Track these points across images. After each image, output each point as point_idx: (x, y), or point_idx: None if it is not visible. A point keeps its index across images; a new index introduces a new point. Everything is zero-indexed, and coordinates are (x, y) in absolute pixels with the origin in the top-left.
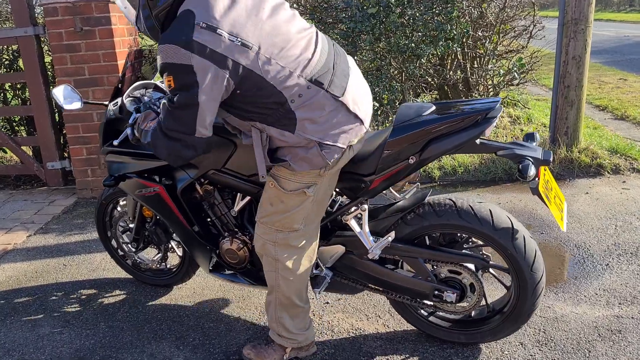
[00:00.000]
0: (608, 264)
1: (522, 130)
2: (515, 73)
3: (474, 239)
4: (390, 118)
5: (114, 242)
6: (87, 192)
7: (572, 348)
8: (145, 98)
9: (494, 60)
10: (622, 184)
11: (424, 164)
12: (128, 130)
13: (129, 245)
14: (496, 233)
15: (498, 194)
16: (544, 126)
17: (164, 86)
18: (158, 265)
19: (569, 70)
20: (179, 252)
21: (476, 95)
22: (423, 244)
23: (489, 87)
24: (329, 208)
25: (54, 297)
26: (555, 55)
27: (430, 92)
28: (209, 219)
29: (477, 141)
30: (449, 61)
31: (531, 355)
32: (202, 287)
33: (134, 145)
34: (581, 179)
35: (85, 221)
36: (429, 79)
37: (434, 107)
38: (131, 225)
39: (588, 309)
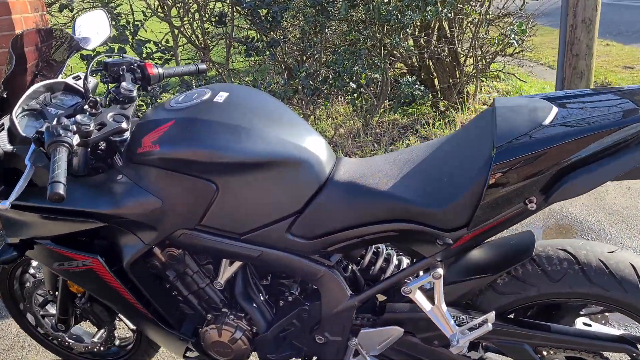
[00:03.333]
0: None
1: None
2: (515, 40)
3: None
4: (368, 101)
5: (30, 317)
6: None
7: None
8: (51, 110)
9: (483, 27)
10: None
11: (547, 205)
12: (26, 174)
13: (56, 324)
14: None
15: None
16: None
17: (79, 85)
18: (103, 348)
19: (578, 36)
20: (131, 323)
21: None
22: (521, 319)
23: (479, 57)
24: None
25: None
26: (560, 18)
27: (403, 70)
28: (175, 292)
29: None
30: (430, 31)
31: None
32: None
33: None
34: None
35: None
36: (414, 54)
37: (555, 109)
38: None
39: None
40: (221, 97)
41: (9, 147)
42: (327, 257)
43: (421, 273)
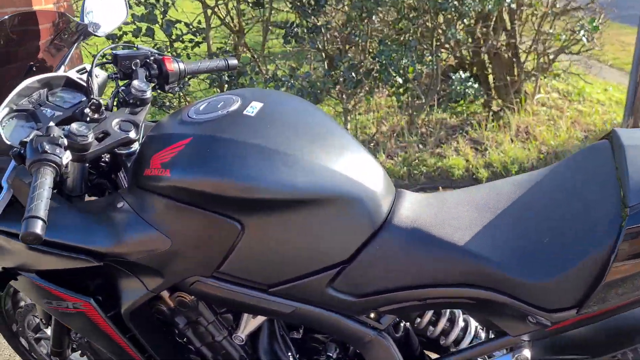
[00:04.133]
0: None
1: (580, 111)
2: (584, 37)
3: None
4: (415, 97)
5: (24, 341)
6: None
7: None
8: (45, 111)
9: (549, 21)
10: None
11: None
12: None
13: (50, 355)
14: None
15: None
16: (601, 104)
17: (84, 80)
18: None
19: None
20: None
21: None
22: None
23: (540, 54)
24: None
25: None
26: None
27: (450, 63)
28: (185, 340)
29: None
30: (489, 23)
31: None
32: None
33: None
34: None
35: None
36: (469, 48)
37: None
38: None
39: None
40: (253, 108)
41: None
42: (376, 319)
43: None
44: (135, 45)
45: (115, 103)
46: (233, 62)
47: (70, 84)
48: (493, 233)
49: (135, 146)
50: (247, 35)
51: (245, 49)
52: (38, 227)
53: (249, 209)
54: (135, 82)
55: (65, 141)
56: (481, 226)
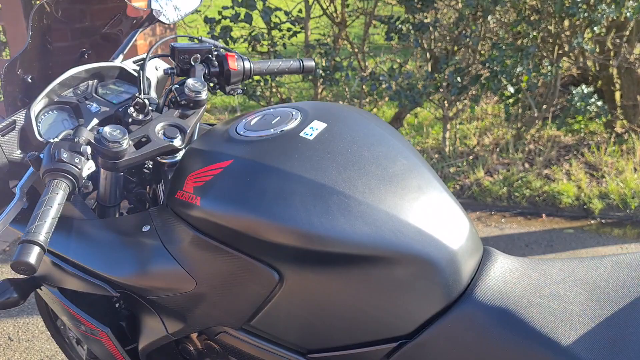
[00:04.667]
0: None
1: None
2: None
3: None
4: (528, 112)
5: (67, 339)
6: None
7: None
8: (91, 106)
9: None
10: None
11: None
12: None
13: None
14: None
15: None
16: None
17: (134, 71)
18: None
19: None
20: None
21: None
22: None
23: None
24: None
25: None
26: None
27: (571, 73)
28: None
29: None
30: (625, 32)
31: None
32: None
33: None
34: None
35: None
36: (597, 60)
37: None
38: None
39: None
40: (313, 129)
41: (17, 155)
42: None
43: None
44: (199, 37)
45: (166, 102)
46: (309, 63)
47: (124, 76)
48: (615, 333)
49: (181, 155)
50: (347, 28)
51: (346, 42)
52: (32, 256)
53: (290, 257)
54: (190, 81)
55: (89, 148)
56: (599, 319)
